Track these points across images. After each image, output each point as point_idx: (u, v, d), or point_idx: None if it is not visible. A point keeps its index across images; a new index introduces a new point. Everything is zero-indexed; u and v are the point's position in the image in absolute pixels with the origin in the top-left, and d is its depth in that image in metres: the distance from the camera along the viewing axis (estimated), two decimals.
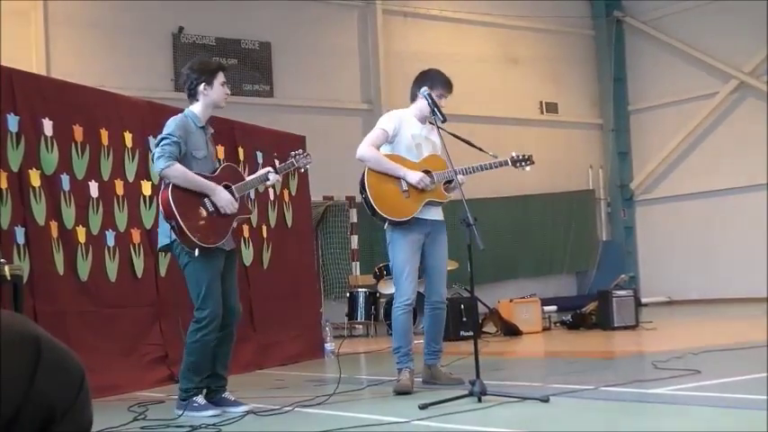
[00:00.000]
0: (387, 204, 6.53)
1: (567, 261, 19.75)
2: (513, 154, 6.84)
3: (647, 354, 9.00)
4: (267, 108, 15.68)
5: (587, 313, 12.43)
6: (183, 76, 6.09)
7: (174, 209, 5.70)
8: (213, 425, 5.38)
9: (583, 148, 20.49)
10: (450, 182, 6.62)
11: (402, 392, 6.33)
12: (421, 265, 6.75)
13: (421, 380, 6.74)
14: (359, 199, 17.59)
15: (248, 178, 6.25)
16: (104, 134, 7.63)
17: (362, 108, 17.42)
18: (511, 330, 11.96)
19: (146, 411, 5.92)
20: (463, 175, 6.60)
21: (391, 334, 7.16)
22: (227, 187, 5.95)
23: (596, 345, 10.48)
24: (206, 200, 5.85)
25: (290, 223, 9.84)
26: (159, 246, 6.11)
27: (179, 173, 5.76)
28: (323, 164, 13.33)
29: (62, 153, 7.21)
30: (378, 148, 6.62)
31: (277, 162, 6.54)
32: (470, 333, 10.71)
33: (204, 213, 5.83)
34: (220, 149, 8.71)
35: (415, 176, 6.49)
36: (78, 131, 7.39)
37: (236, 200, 5.96)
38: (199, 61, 6.30)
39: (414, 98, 6.76)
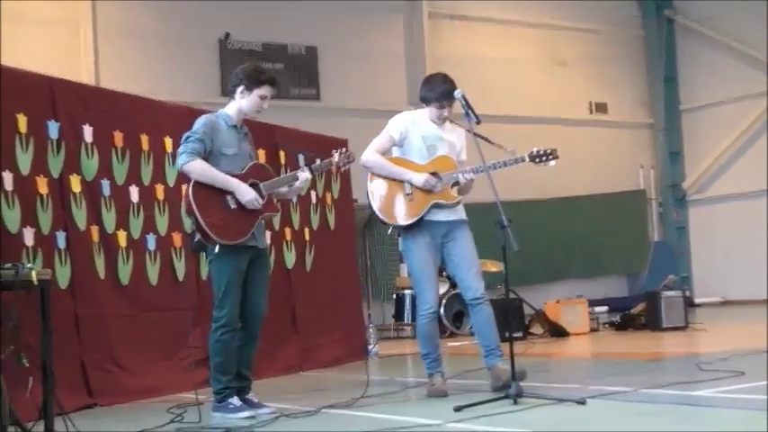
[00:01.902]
0: (391, 209, 6.35)
1: (618, 262, 19.53)
2: (534, 149, 6.34)
3: (693, 355, 8.84)
4: (314, 112, 15.74)
5: (636, 314, 12.29)
6: (234, 73, 6.14)
7: (193, 205, 5.73)
8: (246, 427, 5.42)
9: (633, 148, 20.25)
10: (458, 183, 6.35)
11: (436, 396, 6.27)
12: (449, 269, 6.62)
13: (490, 387, 6.19)
14: None
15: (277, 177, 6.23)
16: (144, 139, 7.71)
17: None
18: (557, 332, 11.87)
19: (184, 413, 5.96)
20: (474, 174, 6.26)
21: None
22: (254, 185, 5.95)
23: (642, 346, 10.32)
24: (228, 197, 5.84)
25: (332, 226, 9.84)
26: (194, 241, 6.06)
27: (199, 168, 5.79)
28: None
29: (102, 159, 7.30)
30: (384, 153, 6.45)
31: (319, 160, 6.48)
32: (515, 334, 10.64)
33: (226, 210, 5.82)
34: (261, 153, 8.75)
35: (419, 178, 6.25)
36: (118, 137, 7.47)
37: (264, 197, 5.96)
38: (253, 66, 6.24)
39: (424, 101, 6.52)
